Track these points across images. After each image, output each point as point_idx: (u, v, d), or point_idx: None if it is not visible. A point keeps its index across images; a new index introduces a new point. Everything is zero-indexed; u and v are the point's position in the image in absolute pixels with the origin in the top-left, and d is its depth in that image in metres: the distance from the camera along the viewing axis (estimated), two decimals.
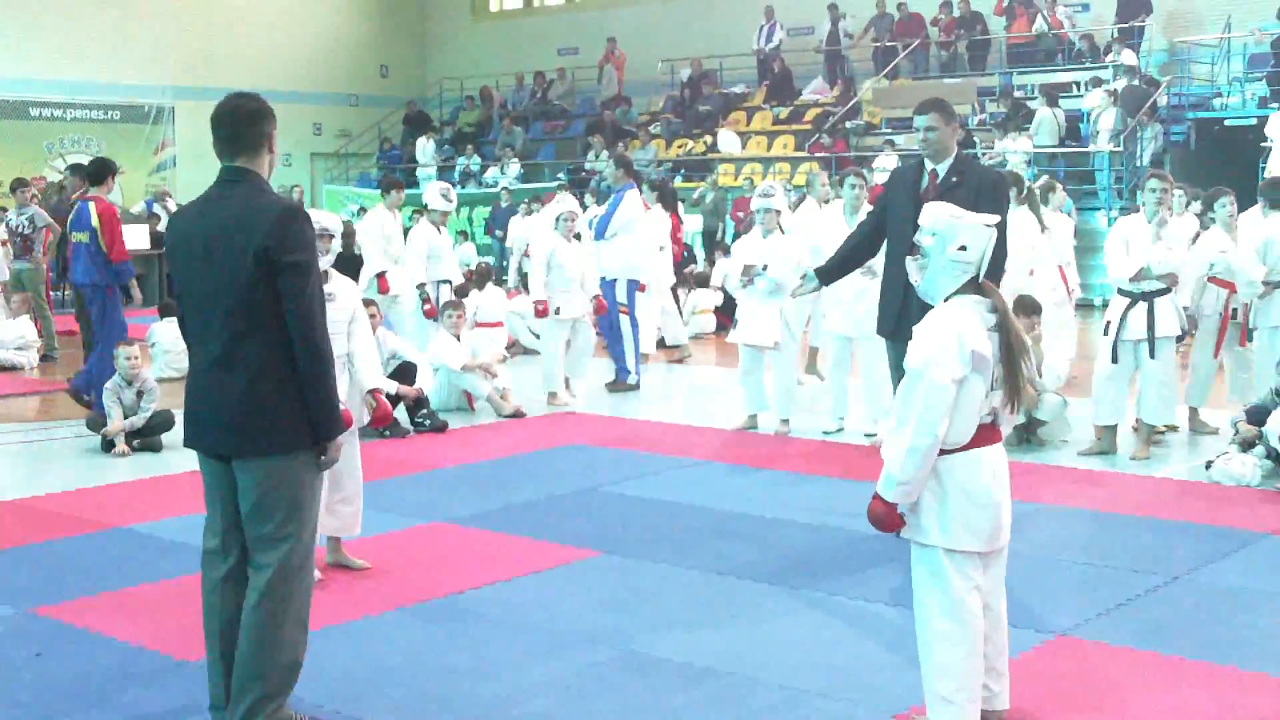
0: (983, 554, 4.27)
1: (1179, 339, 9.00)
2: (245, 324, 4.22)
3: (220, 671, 4.37)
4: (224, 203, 4.29)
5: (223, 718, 4.36)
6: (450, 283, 12.28)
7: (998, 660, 4.38)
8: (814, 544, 6.95)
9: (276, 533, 4.30)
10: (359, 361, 6.35)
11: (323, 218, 6.39)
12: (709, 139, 24.57)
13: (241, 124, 4.31)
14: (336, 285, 6.29)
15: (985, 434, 4.25)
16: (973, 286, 4.27)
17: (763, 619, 5.75)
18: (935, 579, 4.25)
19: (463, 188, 26.26)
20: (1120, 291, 8.95)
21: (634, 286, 12.09)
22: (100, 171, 11.37)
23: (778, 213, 10.05)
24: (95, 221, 10.72)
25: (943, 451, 4.18)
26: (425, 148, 27.10)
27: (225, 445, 4.31)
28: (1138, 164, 19.49)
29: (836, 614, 5.83)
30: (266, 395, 4.23)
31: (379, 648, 5.43)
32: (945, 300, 4.28)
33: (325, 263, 6.19)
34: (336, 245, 6.43)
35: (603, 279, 11.93)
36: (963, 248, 4.23)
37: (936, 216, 4.33)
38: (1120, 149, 19.65)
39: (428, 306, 11.81)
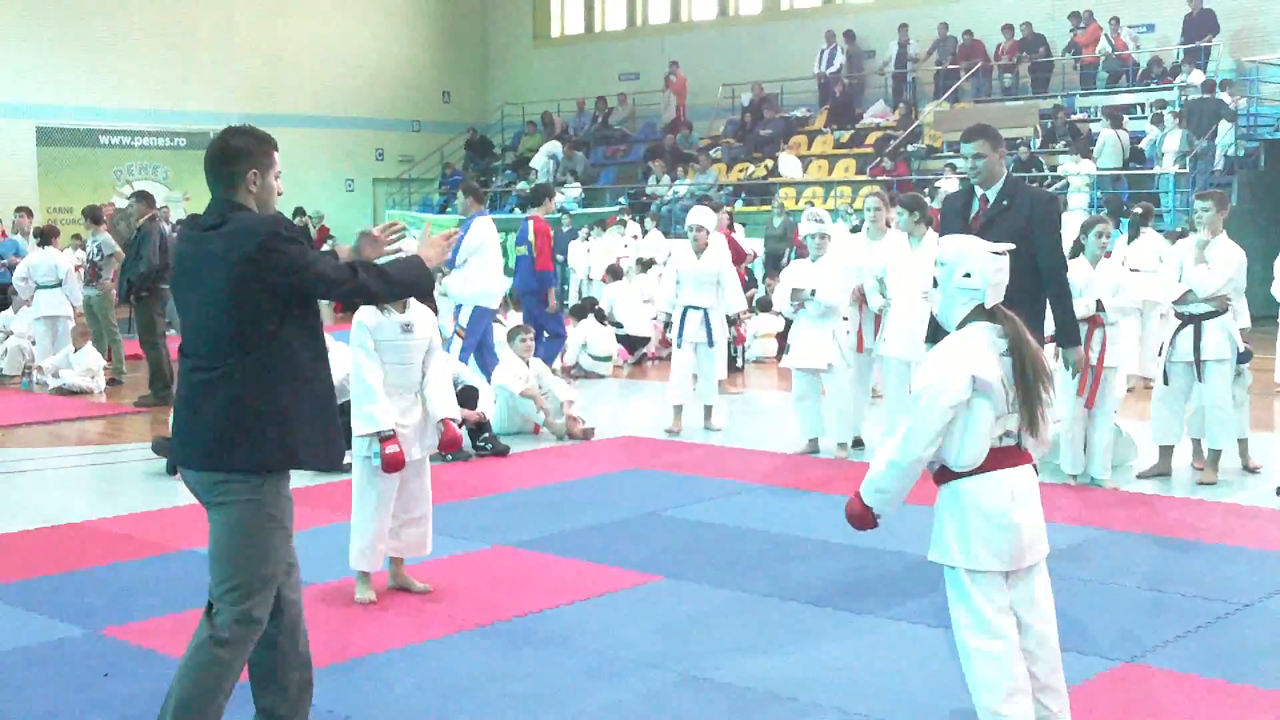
0: (1007, 574, 4.28)
1: (1242, 360, 8.93)
2: (227, 347, 4.16)
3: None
4: (213, 233, 4.25)
5: None
6: (703, 310, 11.24)
7: (1051, 678, 4.36)
8: (873, 568, 6.91)
9: (219, 573, 4.21)
10: (431, 391, 6.43)
11: None
12: (770, 163, 24.57)
13: (212, 162, 4.34)
14: (415, 315, 6.36)
15: (1004, 457, 4.29)
16: (986, 313, 4.34)
17: (822, 643, 5.73)
18: (961, 599, 4.32)
19: (523, 212, 26.45)
20: (1175, 313, 8.93)
21: (485, 314, 12.01)
22: (539, 194, 13.56)
23: (828, 237, 10.05)
24: (532, 236, 12.55)
25: (958, 474, 4.28)
26: (551, 150, 27.29)
27: (180, 455, 4.30)
28: (1208, 185, 19.26)
29: (896, 638, 5.80)
30: (237, 418, 4.16)
31: (440, 671, 5.45)
32: (959, 327, 4.37)
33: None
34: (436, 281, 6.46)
35: (457, 306, 11.91)
36: (967, 274, 4.34)
37: (945, 247, 4.46)
38: (1186, 170, 19.44)
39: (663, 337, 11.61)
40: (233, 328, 4.17)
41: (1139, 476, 9.02)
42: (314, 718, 4.66)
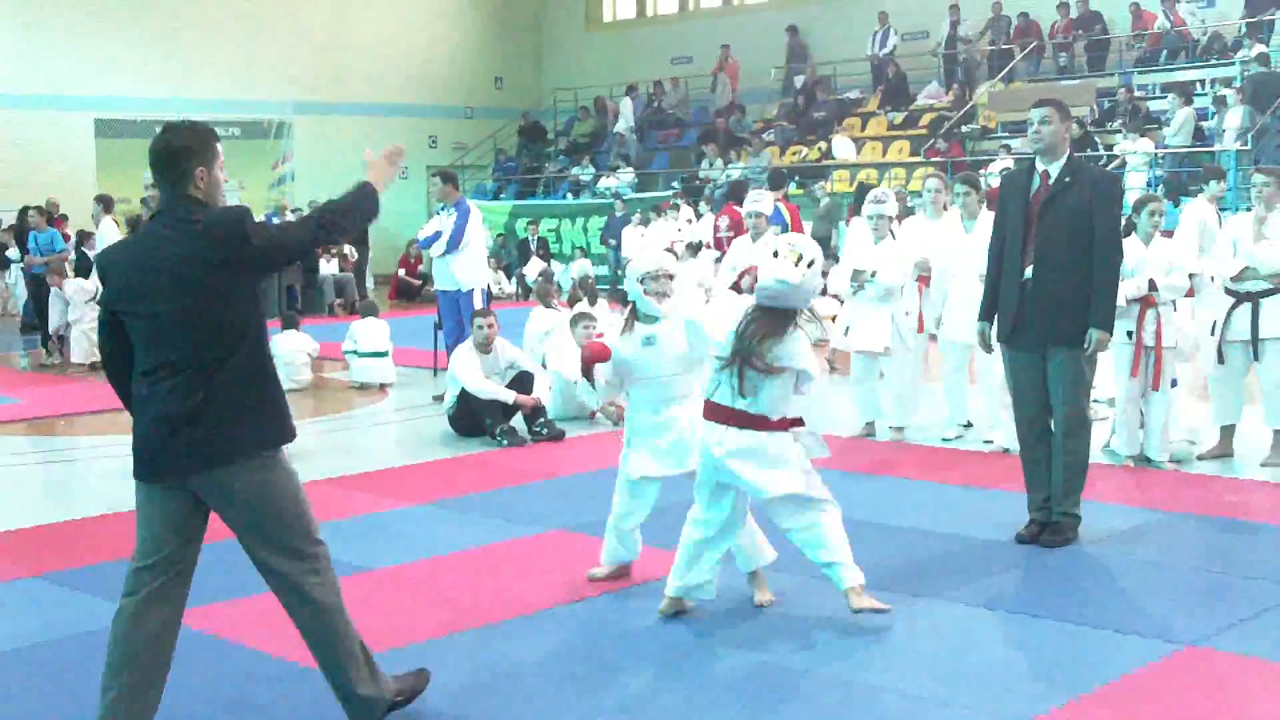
0: None
1: None
2: (218, 348, 4.27)
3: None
4: (169, 234, 4.27)
5: None
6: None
7: None
8: (930, 551, 6.88)
9: (288, 546, 4.47)
10: None
11: (664, 260, 6.34)
12: (823, 145, 24.46)
13: (161, 162, 4.31)
14: (662, 329, 6.21)
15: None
16: None
17: (880, 626, 5.70)
18: None
19: (576, 198, 26.47)
20: (1226, 290, 8.80)
21: (487, 295, 12.09)
22: (777, 178, 15.21)
23: (889, 219, 9.98)
24: (787, 218, 13.37)
25: None
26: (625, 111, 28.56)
27: (195, 464, 4.30)
28: (1272, 163, 18.92)
29: (954, 620, 5.77)
30: (233, 411, 4.32)
31: (496, 657, 5.46)
32: None
33: (669, 306, 6.17)
34: (676, 287, 6.31)
35: (458, 291, 11.91)
36: None
37: None
38: (1248, 148, 19.15)
39: None
40: (225, 323, 4.29)
41: (1199, 458, 8.91)
42: None
